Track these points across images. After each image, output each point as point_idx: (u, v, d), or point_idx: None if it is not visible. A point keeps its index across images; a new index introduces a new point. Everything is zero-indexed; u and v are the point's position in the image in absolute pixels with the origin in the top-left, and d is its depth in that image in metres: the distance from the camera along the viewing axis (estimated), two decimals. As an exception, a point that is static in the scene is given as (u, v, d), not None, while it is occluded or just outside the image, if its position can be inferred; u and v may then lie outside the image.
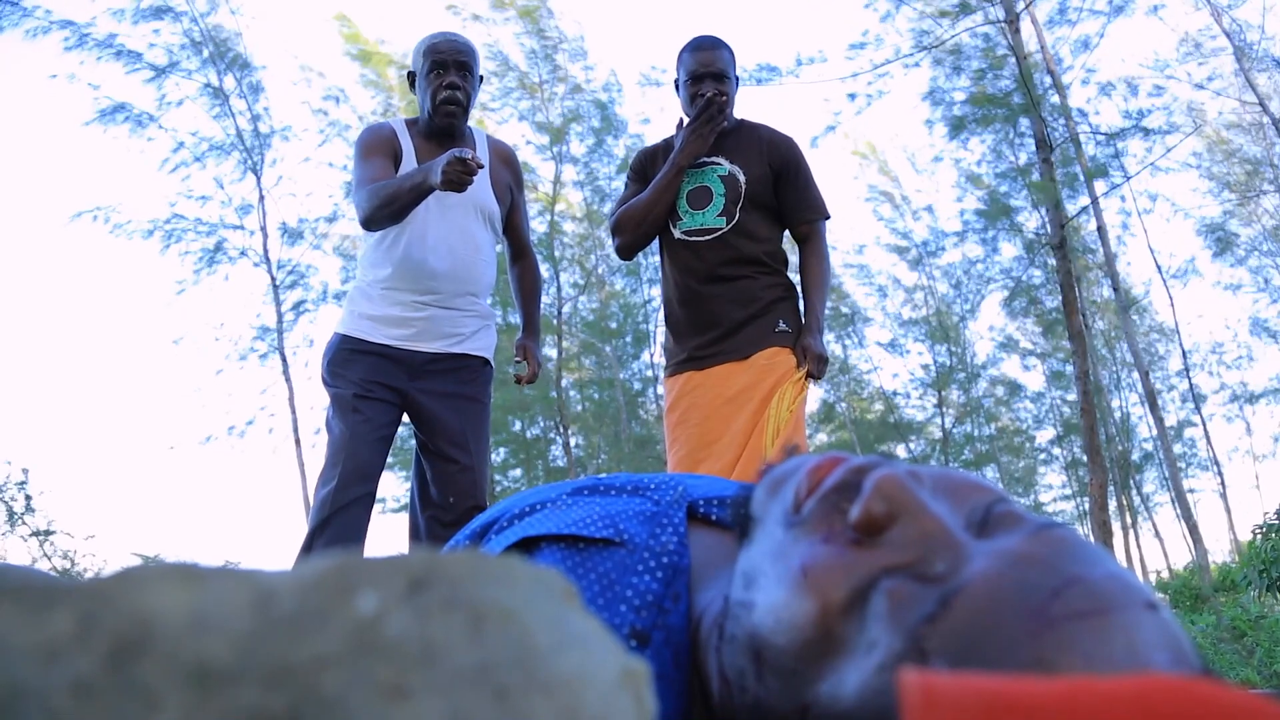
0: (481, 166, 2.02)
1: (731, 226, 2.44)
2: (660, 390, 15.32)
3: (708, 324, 2.45)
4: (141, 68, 9.43)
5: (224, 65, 9.76)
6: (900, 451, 16.08)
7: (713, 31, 2.60)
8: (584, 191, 13.45)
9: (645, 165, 2.62)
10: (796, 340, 2.45)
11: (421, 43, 2.40)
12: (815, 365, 2.40)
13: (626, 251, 2.56)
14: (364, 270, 2.40)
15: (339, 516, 2.11)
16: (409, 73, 2.43)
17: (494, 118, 12.43)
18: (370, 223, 2.22)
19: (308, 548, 2.13)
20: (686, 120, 2.50)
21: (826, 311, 2.56)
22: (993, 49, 8.09)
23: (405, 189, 2.11)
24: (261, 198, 9.89)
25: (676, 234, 2.49)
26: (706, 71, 2.46)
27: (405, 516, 2.48)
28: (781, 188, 2.50)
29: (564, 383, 13.27)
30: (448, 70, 2.33)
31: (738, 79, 2.57)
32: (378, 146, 2.33)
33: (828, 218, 2.55)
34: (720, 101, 2.40)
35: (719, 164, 2.49)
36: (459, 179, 1.97)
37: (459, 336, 2.36)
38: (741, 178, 2.46)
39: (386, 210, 2.16)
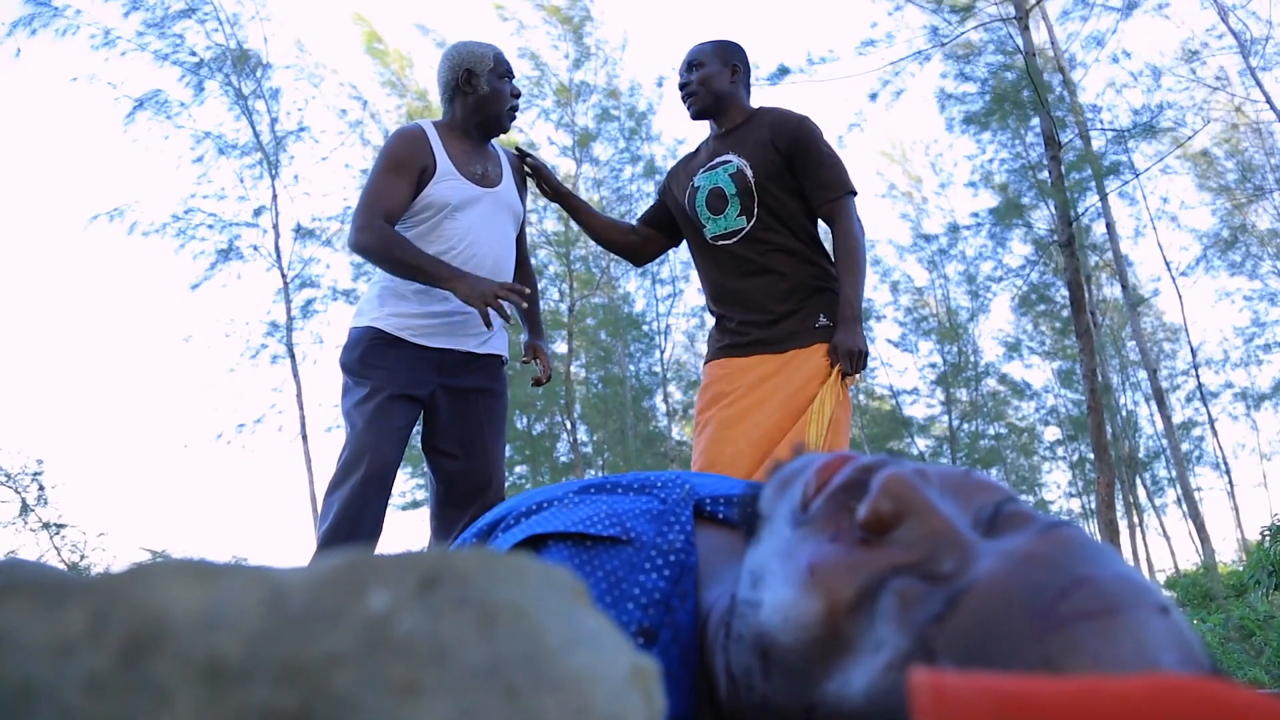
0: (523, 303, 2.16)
1: (754, 224, 2.41)
2: (668, 389, 15.37)
3: (746, 313, 2.43)
4: (167, 64, 9.47)
5: (243, 65, 9.77)
6: (907, 448, 16.04)
7: (732, 34, 2.61)
8: (601, 191, 13.40)
9: (666, 181, 2.67)
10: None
11: (484, 48, 2.40)
12: (848, 362, 2.27)
13: (633, 264, 2.78)
14: None
15: (361, 516, 2.09)
16: (465, 70, 2.35)
17: (521, 118, 12.46)
18: (363, 255, 2.20)
19: (327, 547, 2.09)
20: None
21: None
22: (1003, 46, 8.07)
23: (423, 269, 2.12)
24: (275, 196, 9.91)
25: (707, 239, 2.49)
26: (683, 61, 2.53)
27: (409, 514, 2.49)
28: (797, 170, 2.41)
29: (572, 379, 13.28)
30: (513, 79, 2.42)
31: (734, 67, 2.51)
32: (405, 163, 2.26)
33: (853, 193, 2.43)
34: None
35: (728, 160, 2.44)
36: (494, 307, 2.07)
37: (486, 334, 2.37)
38: (749, 171, 2.40)
39: (391, 268, 2.17)
